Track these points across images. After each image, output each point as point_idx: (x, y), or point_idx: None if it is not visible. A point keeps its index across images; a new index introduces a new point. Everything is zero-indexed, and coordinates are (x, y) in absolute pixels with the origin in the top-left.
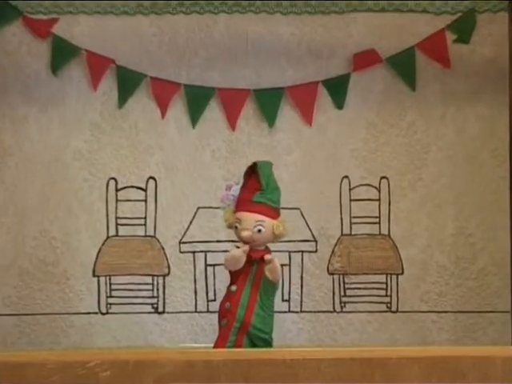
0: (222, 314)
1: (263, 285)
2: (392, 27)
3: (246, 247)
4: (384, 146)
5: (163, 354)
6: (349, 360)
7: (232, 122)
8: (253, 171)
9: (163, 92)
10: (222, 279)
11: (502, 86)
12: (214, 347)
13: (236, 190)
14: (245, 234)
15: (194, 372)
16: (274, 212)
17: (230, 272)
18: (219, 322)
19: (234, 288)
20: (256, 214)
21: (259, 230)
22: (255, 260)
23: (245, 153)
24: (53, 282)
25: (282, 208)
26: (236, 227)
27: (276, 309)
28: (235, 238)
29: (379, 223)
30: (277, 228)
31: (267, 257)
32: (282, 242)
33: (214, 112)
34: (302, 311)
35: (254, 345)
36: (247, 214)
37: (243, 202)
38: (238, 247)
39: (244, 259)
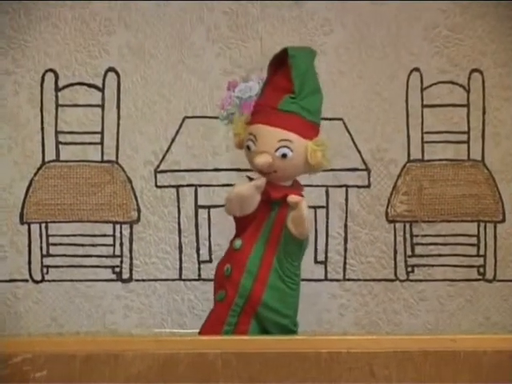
0: (219, 281)
1: (285, 242)
2: None
3: (262, 180)
4: (477, 20)
5: (130, 343)
6: (418, 354)
7: None
8: (282, 62)
9: None
10: (223, 229)
11: None
12: (201, 333)
13: (243, 90)
14: (260, 159)
15: (178, 371)
16: (309, 128)
17: (236, 219)
18: (214, 293)
19: (238, 243)
20: (280, 130)
21: (284, 155)
22: (275, 202)
23: (257, 31)
24: None
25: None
26: (248, 147)
27: (305, 275)
28: (244, 166)
29: (468, 143)
30: (313, 153)
31: (292, 198)
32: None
33: None
34: (345, 279)
35: (265, 332)
36: (266, 129)
37: (262, 110)
38: (250, 179)
39: (257, 200)
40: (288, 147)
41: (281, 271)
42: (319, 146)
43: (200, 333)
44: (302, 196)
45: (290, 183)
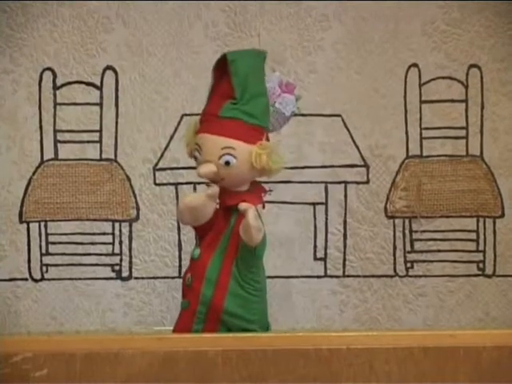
0: (183, 290)
1: (241, 249)
2: None
3: (213, 189)
4: (475, 15)
5: (130, 342)
6: (418, 350)
7: None
8: (226, 67)
9: None
10: None
11: None
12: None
13: None
14: (203, 169)
15: (178, 369)
16: (252, 132)
17: (194, 228)
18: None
19: (196, 253)
20: (222, 137)
21: (227, 162)
22: (233, 209)
23: (255, 28)
24: None
25: (316, 115)
26: (195, 157)
27: (306, 272)
28: None
29: (466, 138)
30: (257, 157)
31: (240, 206)
32: (314, 167)
33: None
34: (345, 275)
35: None
36: (209, 137)
37: (206, 119)
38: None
39: (211, 208)
40: (231, 154)
41: (240, 278)
42: (264, 150)
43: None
44: (259, 200)
45: (247, 187)
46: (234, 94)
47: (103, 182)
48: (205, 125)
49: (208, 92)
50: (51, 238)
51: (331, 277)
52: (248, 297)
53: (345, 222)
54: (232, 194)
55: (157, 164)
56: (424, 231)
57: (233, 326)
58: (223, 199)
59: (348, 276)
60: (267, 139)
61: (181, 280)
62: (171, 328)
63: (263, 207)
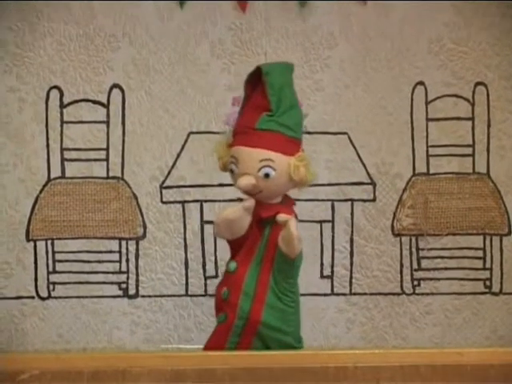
0: (218, 304)
1: (277, 260)
2: None
3: (250, 202)
4: (482, 33)
5: (137, 360)
6: (425, 368)
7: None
8: (258, 81)
9: None
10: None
11: None
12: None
13: None
14: (243, 182)
15: None
16: (290, 144)
17: (229, 241)
18: (216, 314)
19: (232, 266)
20: (260, 150)
21: (266, 175)
22: (267, 221)
23: (262, 46)
24: None
25: (322, 132)
26: (232, 170)
27: (311, 290)
28: None
29: (473, 156)
30: (296, 169)
31: (280, 217)
32: (321, 185)
33: None
34: (351, 293)
35: (269, 349)
36: (247, 150)
37: (242, 131)
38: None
39: (247, 221)
40: (270, 166)
41: (277, 290)
42: (302, 162)
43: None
44: (292, 211)
45: (280, 200)
46: (270, 106)
47: (110, 200)
48: (241, 137)
49: (241, 105)
50: (58, 256)
51: (338, 295)
52: (285, 308)
53: (351, 239)
54: (267, 206)
55: (164, 182)
56: (431, 249)
57: (269, 339)
58: (258, 211)
59: (355, 294)
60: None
61: (188, 298)
62: (178, 346)
63: (296, 218)
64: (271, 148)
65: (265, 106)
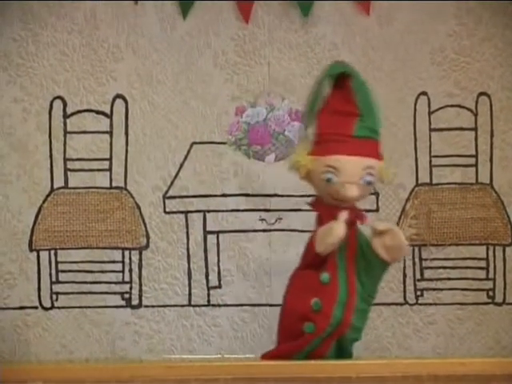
0: (301, 314)
1: (365, 265)
2: None
3: (346, 215)
4: (485, 44)
5: (140, 370)
6: (428, 378)
7: (245, 10)
8: (338, 82)
9: None
10: (232, 254)
11: None
12: (264, 357)
13: (251, 115)
14: (351, 191)
15: None
16: (379, 148)
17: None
18: (288, 325)
19: (326, 278)
20: (362, 158)
21: (369, 182)
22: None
23: (264, 57)
24: None
25: None
26: (329, 179)
27: None
28: (253, 191)
29: (476, 166)
30: (385, 173)
31: (380, 226)
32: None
33: None
34: None
35: (341, 352)
36: (348, 159)
37: (335, 139)
38: (310, 205)
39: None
40: (371, 174)
41: (364, 292)
42: (385, 165)
43: (268, 355)
44: (364, 214)
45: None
46: (359, 111)
47: (113, 210)
48: (337, 145)
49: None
50: (61, 267)
51: None
52: (367, 308)
53: None
54: (355, 212)
55: (167, 192)
56: (434, 259)
57: (350, 339)
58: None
59: None
60: None
61: (191, 308)
62: (181, 356)
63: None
64: (371, 155)
65: (353, 110)
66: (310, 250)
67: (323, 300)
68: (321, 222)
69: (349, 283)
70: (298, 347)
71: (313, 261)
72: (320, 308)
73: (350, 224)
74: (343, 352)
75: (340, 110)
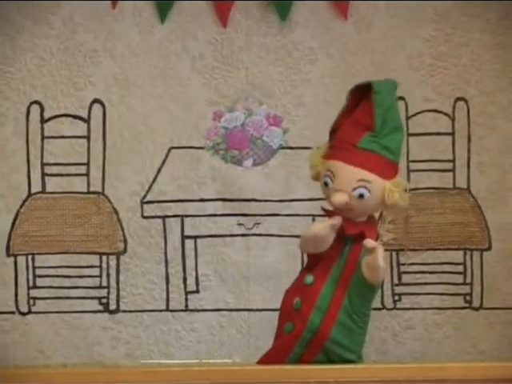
0: (287, 312)
1: (357, 282)
2: None
3: (338, 220)
4: (462, 48)
5: (117, 375)
6: (405, 383)
7: (223, 14)
8: (363, 95)
9: None
10: (210, 259)
11: None
12: (262, 360)
13: (229, 120)
14: (337, 198)
15: None
16: (388, 167)
17: (308, 254)
18: (279, 323)
19: (309, 279)
20: (359, 169)
21: (361, 195)
22: (348, 238)
23: (242, 61)
24: None
25: (303, 147)
26: (326, 183)
27: None
28: (231, 195)
29: (453, 171)
30: (390, 194)
31: (369, 243)
32: (302, 200)
33: None
34: None
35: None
36: (345, 167)
37: (342, 146)
38: (325, 211)
39: (332, 238)
40: (366, 188)
41: (350, 309)
42: (397, 187)
43: (260, 361)
44: (376, 232)
45: (365, 218)
46: (374, 126)
47: (91, 215)
48: (340, 152)
49: (340, 113)
50: (38, 272)
51: None
52: (355, 328)
53: None
54: (351, 224)
55: (144, 197)
56: (411, 264)
57: (333, 354)
58: (342, 227)
59: None
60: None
61: (169, 313)
62: (159, 361)
63: (379, 238)
64: (370, 169)
65: (368, 124)
66: None
67: (303, 301)
68: None
69: (335, 294)
70: (280, 351)
71: (308, 261)
72: (299, 308)
73: (358, 236)
74: None
75: (358, 121)
